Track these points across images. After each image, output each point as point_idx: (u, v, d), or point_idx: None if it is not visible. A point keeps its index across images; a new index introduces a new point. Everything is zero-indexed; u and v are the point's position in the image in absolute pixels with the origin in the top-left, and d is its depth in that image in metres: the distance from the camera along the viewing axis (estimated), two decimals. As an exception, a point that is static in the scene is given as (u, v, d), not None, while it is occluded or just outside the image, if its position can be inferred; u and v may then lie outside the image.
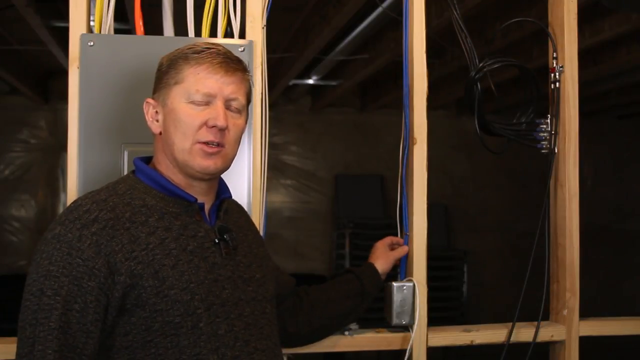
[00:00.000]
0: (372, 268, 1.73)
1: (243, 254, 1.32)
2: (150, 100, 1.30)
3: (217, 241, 1.26)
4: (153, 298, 1.15)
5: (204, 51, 1.25)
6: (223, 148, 1.26)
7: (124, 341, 1.16)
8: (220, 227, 1.27)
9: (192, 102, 1.23)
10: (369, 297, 1.69)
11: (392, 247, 1.81)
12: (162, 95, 1.27)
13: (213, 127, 1.23)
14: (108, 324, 1.15)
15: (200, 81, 1.23)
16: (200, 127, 1.23)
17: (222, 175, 1.35)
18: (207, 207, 1.30)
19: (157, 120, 1.28)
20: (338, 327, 1.70)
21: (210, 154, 1.24)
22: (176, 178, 1.28)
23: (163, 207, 1.23)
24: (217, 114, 1.23)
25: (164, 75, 1.27)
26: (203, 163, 1.24)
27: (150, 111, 1.29)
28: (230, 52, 1.28)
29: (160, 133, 1.28)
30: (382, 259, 1.76)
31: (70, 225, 1.15)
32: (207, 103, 1.24)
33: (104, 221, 1.16)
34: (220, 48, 1.27)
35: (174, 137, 1.24)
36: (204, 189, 1.29)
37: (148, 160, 1.33)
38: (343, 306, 1.66)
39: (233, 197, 1.42)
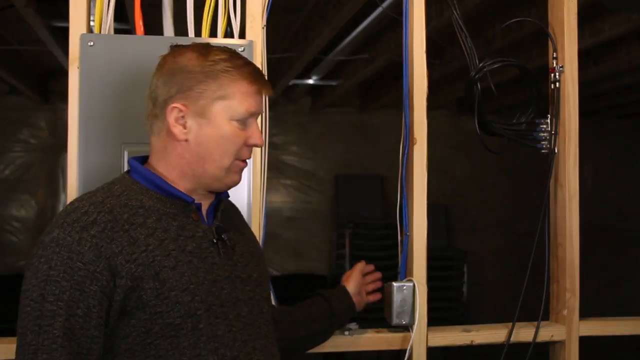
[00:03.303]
0: (343, 290, 1.71)
1: (240, 253, 1.31)
2: (179, 106, 1.23)
3: (215, 241, 1.25)
4: (153, 300, 1.14)
5: (246, 66, 1.26)
6: None
7: (123, 344, 1.15)
8: (218, 227, 1.27)
9: (237, 121, 1.24)
10: (339, 319, 1.67)
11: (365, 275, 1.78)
12: (197, 105, 1.23)
13: (252, 145, 1.28)
14: (109, 328, 1.14)
15: (248, 100, 1.25)
16: (242, 146, 1.27)
17: None
18: (204, 207, 1.30)
19: (185, 127, 1.24)
20: (304, 349, 1.67)
21: (243, 169, 1.30)
22: (181, 182, 1.26)
23: (160, 208, 1.22)
24: (257, 133, 1.28)
25: (197, 84, 1.23)
26: (236, 179, 1.29)
27: (175, 115, 1.24)
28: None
29: (186, 140, 1.24)
30: (353, 280, 1.73)
31: (68, 228, 1.13)
32: (246, 120, 1.27)
33: (103, 223, 1.14)
34: (252, 62, 1.29)
35: (214, 153, 1.24)
36: (205, 192, 1.30)
37: (142, 159, 1.31)
38: (308, 329, 1.62)
39: (233, 197, 1.42)
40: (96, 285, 1.11)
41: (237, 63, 1.25)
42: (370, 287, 1.78)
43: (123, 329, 1.15)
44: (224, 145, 1.24)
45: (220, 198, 1.33)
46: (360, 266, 1.77)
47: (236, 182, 1.29)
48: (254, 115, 1.27)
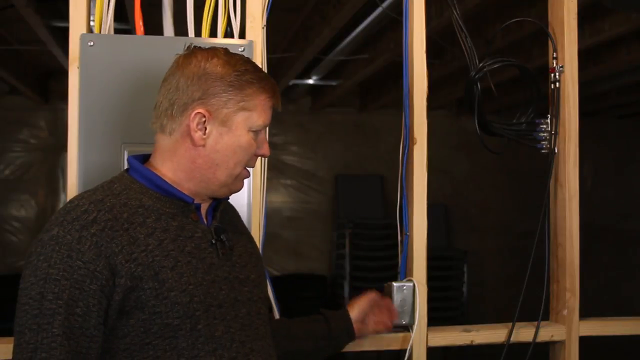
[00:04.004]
0: (345, 314, 1.63)
1: (239, 254, 1.31)
2: (203, 112, 1.23)
3: (213, 242, 1.25)
4: (152, 300, 1.14)
5: (265, 79, 1.28)
6: None
7: (121, 344, 1.15)
8: (216, 228, 1.27)
9: (253, 132, 1.27)
10: (336, 342, 1.60)
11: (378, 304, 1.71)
12: (220, 113, 1.23)
13: (260, 155, 1.31)
14: (108, 327, 1.14)
15: (265, 113, 1.27)
16: (252, 156, 1.29)
17: None
18: (204, 208, 1.30)
19: (204, 133, 1.24)
20: None
21: (246, 177, 1.32)
22: (187, 184, 1.26)
23: (160, 207, 1.22)
24: (266, 144, 1.31)
25: (222, 92, 1.23)
26: (241, 186, 1.32)
27: (198, 120, 1.23)
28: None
29: (203, 146, 1.24)
30: (358, 307, 1.66)
31: (68, 227, 1.12)
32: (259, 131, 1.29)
33: (103, 222, 1.14)
34: (270, 76, 1.31)
35: (229, 161, 1.26)
36: (208, 196, 1.30)
37: (143, 158, 1.31)
38: (302, 345, 1.57)
39: (233, 198, 1.41)
40: (96, 284, 1.10)
41: (260, 76, 1.28)
42: (385, 318, 1.70)
43: (122, 329, 1.14)
44: (239, 155, 1.26)
45: (220, 200, 1.33)
46: (372, 296, 1.68)
47: (240, 189, 1.32)
48: (266, 127, 1.31)
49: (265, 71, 1.69)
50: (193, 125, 1.23)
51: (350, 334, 1.63)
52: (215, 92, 1.23)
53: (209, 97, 1.23)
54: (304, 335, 1.59)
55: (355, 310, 1.65)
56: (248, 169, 1.31)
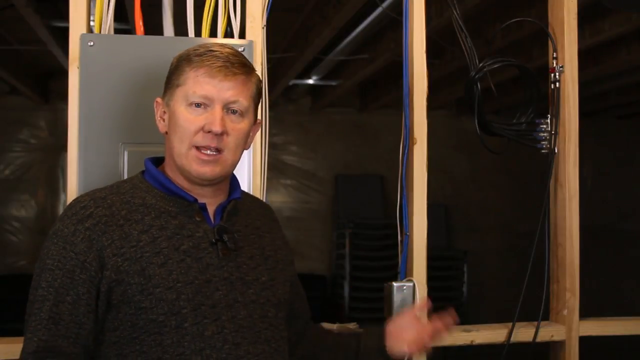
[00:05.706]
0: (381, 332, 1.50)
1: (249, 255, 1.30)
2: (158, 100, 1.30)
3: (214, 241, 1.24)
4: (138, 295, 1.16)
5: (205, 54, 1.23)
6: (221, 154, 1.24)
7: (112, 336, 1.19)
8: (219, 228, 1.26)
9: (191, 105, 1.23)
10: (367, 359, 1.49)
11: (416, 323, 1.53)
12: (167, 96, 1.28)
13: (209, 132, 1.22)
14: (99, 318, 1.18)
15: (198, 84, 1.22)
16: (197, 132, 1.22)
17: None
18: (213, 208, 1.29)
19: (164, 120, 1.29)
20: None
21: (207, 161, 1.23)
22: (179, 179, 1.28)
23: (162, 206, 1.24)
24: (213, 118, 1.21)
25: (171, 76, 1.28)
26: (199, 169, 1.23)
27: (159, 111, 1.30)
28: (234, 54, 1.25)
29: (167, 133, 1.29)
30: (395, 321, 1.54)
31: (67, 221, 1.20)
32: (206, 107, 1.23)
33: (98, 217, 1.19)
34: (223, 51, 1.25)
35: (173, 140, 1.25)
36: (208, 191, 1.29)
37: (158, 160, 1.33)
38: (330, 356, 1.52)
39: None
40: (85, 275, 1.16)
41: (199, 52, 1.24)
42: (424, 338, 1.50)
43: (112, 322, 1.19)
44: (178, 131, 1.24)
45: (231, 199, 1.31)
46: (413, 313, 1.55)
47: (201, 173, 1.24)
48: (207, 99, 1.22)
49: (265, 71, 1.70)
50: (157, 116, 1.30)
51: (382, 352, 1.49)
52: (167, 81, 1.29)
53: (165, 89, 1.30)
54: (335, 347, 1.53)
55: (392, 324, 1.53)
56: (205, 150, 1.22)
